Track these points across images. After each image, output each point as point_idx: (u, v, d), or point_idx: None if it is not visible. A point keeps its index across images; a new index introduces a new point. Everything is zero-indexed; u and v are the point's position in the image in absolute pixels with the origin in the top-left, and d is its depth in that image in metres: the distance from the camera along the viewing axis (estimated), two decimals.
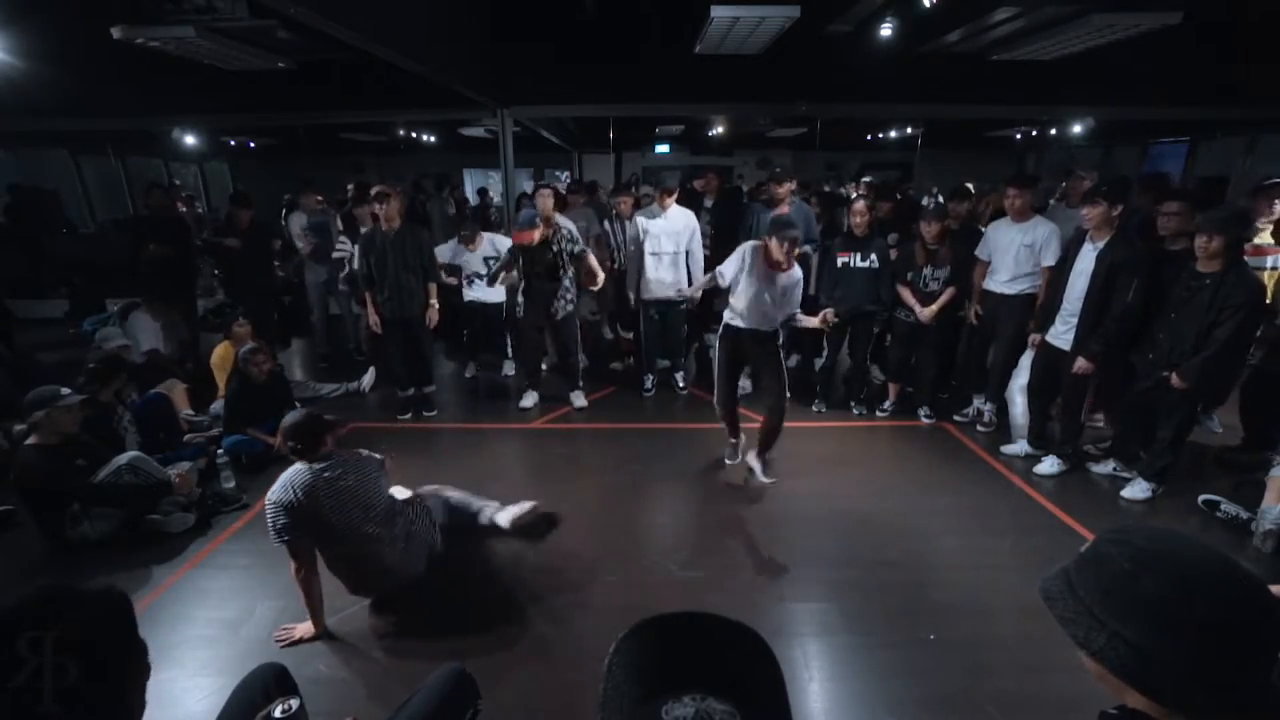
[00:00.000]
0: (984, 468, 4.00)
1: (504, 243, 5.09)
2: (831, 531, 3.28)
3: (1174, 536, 0.78)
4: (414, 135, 11.39)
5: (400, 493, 2.84)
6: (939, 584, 2.85)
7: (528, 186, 10.90)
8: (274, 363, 4.26)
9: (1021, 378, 4.45)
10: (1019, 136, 11.16)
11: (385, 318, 4.53)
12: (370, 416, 4.81)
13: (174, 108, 6.41)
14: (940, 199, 6.60)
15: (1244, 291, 3.05)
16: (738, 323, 3.51)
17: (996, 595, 2.75)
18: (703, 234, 4.96)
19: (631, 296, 4.93)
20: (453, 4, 4.36)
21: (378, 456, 2.67)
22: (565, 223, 4.67)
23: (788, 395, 3.56)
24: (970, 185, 5.50)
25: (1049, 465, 3.83)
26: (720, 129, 9.80)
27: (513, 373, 5.66)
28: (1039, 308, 3.95)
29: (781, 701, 0.59)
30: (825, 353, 5.14)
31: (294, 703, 1.42)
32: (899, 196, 6.22)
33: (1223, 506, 3.31)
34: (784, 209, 4.55)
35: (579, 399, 4.86)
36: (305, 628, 2.49)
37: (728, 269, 3.45)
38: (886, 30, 4.66)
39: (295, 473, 2.39)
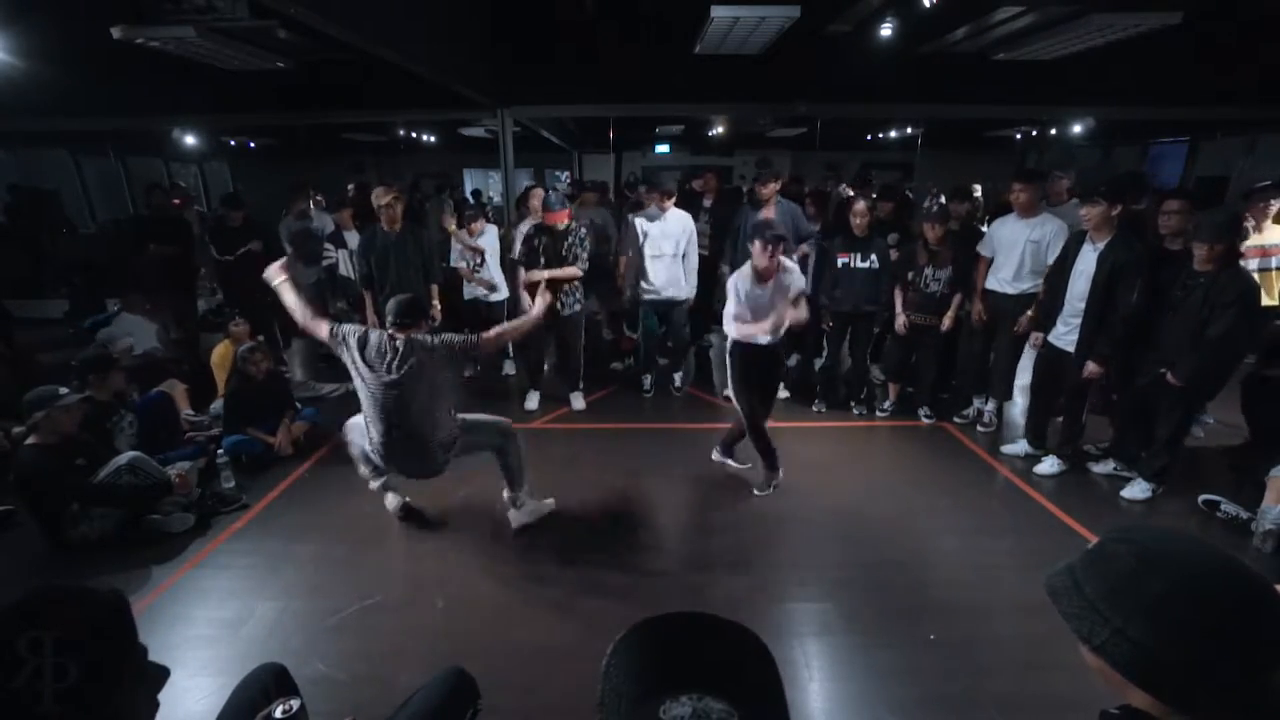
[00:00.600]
0: (984, 468, 4.00)
1: (494, 240, 5.22)
2: (831, 531, 3.28)
3: (1181, 536, 0.78)
4: (414, 135, 11.39)
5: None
6: (939, 584, 2.85)
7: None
8: (272, 362, 4.27)
9: (1022, 378, 4.45)
10: (1019, 136, 11.15)
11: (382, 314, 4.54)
12: None
13: (174, 108, 6.41)
14: (941, 199, 6.60)
15: (1234, 290, 3.09)
16: (755, 340, 3.35)
17: (996, 595, 2.75)
18: (703, 234, 4.97)
19: (627, 293, 4.95)
20: (453, 4, 4.36)
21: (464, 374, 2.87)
22: (583, 228, 4.68)
23: (767, 422, 3.54)
24: (977, 186, 5.49)
25: (1049, 465, 3.83)
26: (720, 129, 9.80)
27: (513, 372, 5.67)
28: (1037, 305, 3.94)
29: (779, 701, 0.59)
30: (825, 353, 5.15)
31: (295, 703, 1.41)
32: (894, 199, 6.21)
33: (1223, 506, 3.31)
34: (769, 210, 4.58)
35: (578, 400, 4.87)
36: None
37: (729, 309, 3.34)
38: (886, 30, 4.66)
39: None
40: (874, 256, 4.35)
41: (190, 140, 8.95)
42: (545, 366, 5.19)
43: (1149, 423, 3.52)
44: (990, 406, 4.53)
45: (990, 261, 4.23)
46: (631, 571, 2.94)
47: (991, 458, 4.09)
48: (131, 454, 3.26)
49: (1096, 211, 3.38)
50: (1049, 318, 3.77)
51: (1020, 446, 4.06)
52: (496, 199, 12.28)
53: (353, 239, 5.26)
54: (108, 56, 4.21)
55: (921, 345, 4.46)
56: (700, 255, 5.02)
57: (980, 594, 2.77)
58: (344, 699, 2.22)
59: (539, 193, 4.93)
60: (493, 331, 2.99)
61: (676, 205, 4.78)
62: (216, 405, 4.37)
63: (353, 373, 2.83)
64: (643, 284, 4.81)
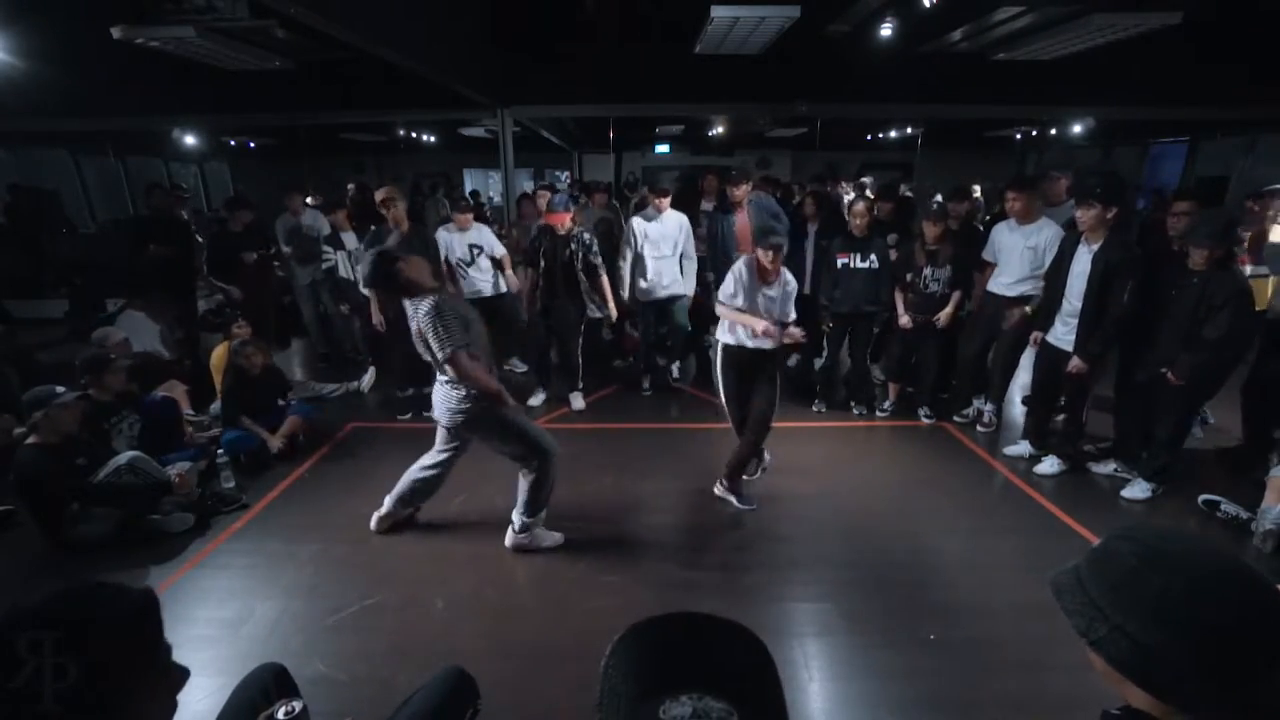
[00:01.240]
0: (984, 468, 4.00)
1: (490, 236, 5.19)
2: (831, 531, 3.28)
3: (1184, 536, 0.78)
4: (414, 135, 11.41)
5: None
6: (939, 584, 2.85)
7: (528, 186, 10.90)
8: (268, 356, 4.26)
9: (1022, 378, 4.45)
10: (1019, 136, 11.17)
11: (389, 317, 4.54)
12: (370, 416, 4.80)
13: (174, 108, 6.42)
14: (940, 199, 6.61)
15: (1227, 290, 3.11)
16: (745, 343, 3.36)
17: (996, 595, 2.75)
18: (701, 238, 4.99)
19: (626, 295, 4.96)
20: (453, 4, 4.36)
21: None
22: (586, 234, 4.67)
23: (771, 425, 3.41)
24: (978, 186, 5.50)
25: (1049, 465, 3.83)
26: (720, 129, 9.81)
27: (523, 369, 5.60)
28: (1034, 305, 3.94)
29: (778, 700, 0.59)
30: (825, 353, 5.15)
31: (297, 705, 1.41)
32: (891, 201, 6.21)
33: (1223, 506, 3.31)
34: (741, 213, 4.61)
35: (578, 401, 4.87)
36: None
37: (727, 289, 3.32)
38: (886, 30, 4.66)
39: None
40: (874, 257, 4.34)
41: (190, 140, 8.96)
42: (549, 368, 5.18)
43: (1150, 423, 3.53)
44: (990, 406, 4.53)
45: (994, 265, 4.24)
46: (631, 571, 2.94)
47: (992, 458, 4.09)
48: (131, 454, 3.26)
49: (1091, 214, 3.39)
50: (1048, 318, 3.77)
51: (1022, 448, 4.06)
52: (496, 199, 12.27)
53: (350, 240, 5.24)
54: (108, 56, 4.22)
55: (921, 345, 4.46)
56: (700, 258, 5.03)
57: (980, 594, 2.77)
58: (344, 699, 2.22)
59: (545, 195, 4.90)
60: (468, 363, 2.75)
61: (689, 204, 4.84)
62: (216, 406, 4.36)
63: None
64: (642, 283, 4.83)
